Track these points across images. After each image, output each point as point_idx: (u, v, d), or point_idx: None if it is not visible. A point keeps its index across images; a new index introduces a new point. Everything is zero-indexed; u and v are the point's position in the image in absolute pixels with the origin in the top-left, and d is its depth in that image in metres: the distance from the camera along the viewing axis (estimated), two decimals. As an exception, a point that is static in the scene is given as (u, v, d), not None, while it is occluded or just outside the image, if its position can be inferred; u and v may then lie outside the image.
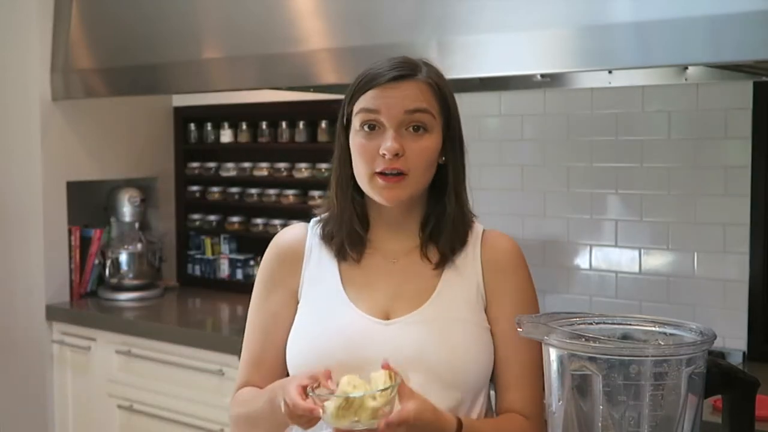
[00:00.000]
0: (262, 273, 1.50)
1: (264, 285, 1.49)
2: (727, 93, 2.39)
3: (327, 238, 1.45)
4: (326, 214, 1.47)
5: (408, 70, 1.37)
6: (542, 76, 2.50)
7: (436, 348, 1.36)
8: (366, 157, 1.36)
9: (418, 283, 1.42)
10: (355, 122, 1.38)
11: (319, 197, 3.19)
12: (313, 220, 1.50)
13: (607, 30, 1.95)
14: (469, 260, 1.43)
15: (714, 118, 2.42)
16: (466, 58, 2.18)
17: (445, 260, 1.42)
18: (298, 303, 1.46)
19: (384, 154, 1.34)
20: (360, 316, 1.39)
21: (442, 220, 1.42)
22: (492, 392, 1.47)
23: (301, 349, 1.41)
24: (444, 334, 1.37)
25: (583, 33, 1.99)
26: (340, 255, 1.44)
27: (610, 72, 2.40)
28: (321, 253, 1.46)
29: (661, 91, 2.49)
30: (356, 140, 1.38)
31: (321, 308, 1.43)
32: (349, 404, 1.19)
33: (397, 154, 1.34)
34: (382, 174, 1.35)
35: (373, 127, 1.36)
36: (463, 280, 1.42)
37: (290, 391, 1.25)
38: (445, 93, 1.40)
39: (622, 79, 2.44)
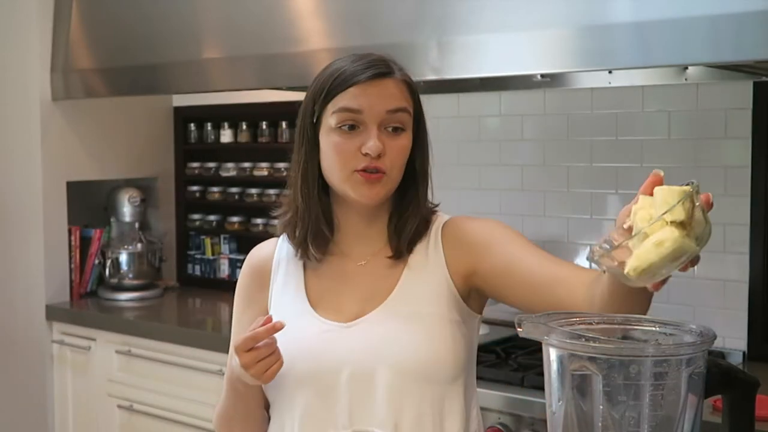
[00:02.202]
0: (238, 289, 1.51)
1: (240, 301, 1.50)
2: (727, 93, 2.39)
3: (291, 238, 1.43)
4: (288, 215, 1.43)
5: (385, 67, 1.35)
6: (542, 76, 2.50)
7: (400, 341, 1.33)
8: (345, 155, 1.33)
9: (382, 284, 1.39)
10: (331, 121, 1.34)
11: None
12: (284, 234, 1.47)
13: (607, 30, 1.95)
14: (431, 252, 1.39)
15: (714, 118, 2.41)
16: (466, 58, 2.18)
17: (400, 255, 1.39)
18: None
19: (367, 154, 1.31)
20: (321, 323, 1.37)
21: (405, 217, 1.39)
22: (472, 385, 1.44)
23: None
24: (408, 327, 1.34)
25: (583, 33, 1.99)
26: (304, 255, 1.41)
27: (610, 72, 2.40)
28: (288, 265, 1.45)
29: (661, 91, 2.49)
30: (332, 139, 1.34)
31: (287, 321, 1.39)
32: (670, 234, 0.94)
33: (380, 155, 1.32)
34: (363, 171, 1.32)
35: (352, 126, 1.33)
36: (427, 273, 1.38)
37: (236, 343, 1.29)
38: (416, 91, 1.39)
39: (621, 79, 2.43)
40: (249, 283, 1.49)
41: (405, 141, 1.35)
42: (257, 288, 1.47)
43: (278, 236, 1.49)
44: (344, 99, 1.33)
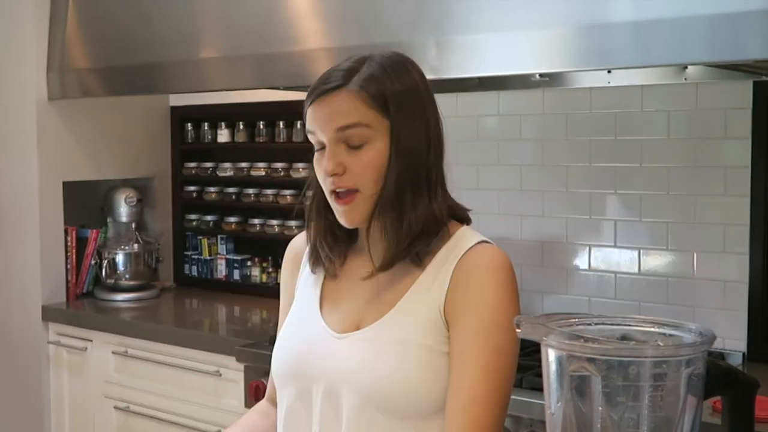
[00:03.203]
0: (281, 280, 1.52)
1: (282, 291, 1.51)
2: (727, 93, 2.38)
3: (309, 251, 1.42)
4: (306, 228, 1.42)
5: (334, 81, 1.27)
6: (541, 75, 2.49)
7: (369, 371, 1.26)
8: (320, 177, 1.31)
9: (387, 296, 1.32)
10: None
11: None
12: None
13: (606, 29, 1.94)
14: (440, 276, 1.29)
15: (714, 117, 2.41)
16: (465, 58, 2.17)
17: (396, 259, 1.30)
18: None
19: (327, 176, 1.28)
20: (320, 329, 1.34)
21: (411, 224, 1.29)
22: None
23: (273, 353, 1.41)
24: (383, 356, 1.26)
25: (582, 32, 1.98)
26: (316, 267, 1.40)
27: (609, 71, 2.40)
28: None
29: (661, 91, 2.48)
30: (315, 160, 1.32)
31: (296, 317, 1.41)
32: None
33: (336, 174, 1.27)
34: (336, 195, 1.29)
35: (322, 146, 1.29)
36: (427, 298, 1.28)
37: None
38: (384, 94, 1.27)
39: (621, 78, 2.43)
40: (286, 273, 1.50)
41: (369, 153, 1.27)
42: (291, 278, 1.47)
43: None
44: (307, 120, 1.31)
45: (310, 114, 1.29)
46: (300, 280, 1.45)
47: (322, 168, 1.29)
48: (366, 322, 1.32)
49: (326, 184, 1.30)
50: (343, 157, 1.27)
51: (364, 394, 1.26)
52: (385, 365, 1.26)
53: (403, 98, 1.29)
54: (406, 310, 1.29)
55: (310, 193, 1.38)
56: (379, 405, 1.25)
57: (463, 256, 1.29)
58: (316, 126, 1.29)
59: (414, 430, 1.26)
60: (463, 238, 1.32)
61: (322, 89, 1.28)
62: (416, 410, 1.26)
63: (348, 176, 1.27)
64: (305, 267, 1.44)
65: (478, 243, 1.31)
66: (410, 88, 1.31)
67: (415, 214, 1.29)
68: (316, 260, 1.39)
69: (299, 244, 1.48)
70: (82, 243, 3.39)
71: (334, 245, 1.37)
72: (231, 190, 3.47)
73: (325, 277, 1.40)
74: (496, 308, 1.25)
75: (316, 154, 1.32)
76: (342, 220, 1.31)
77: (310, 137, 1.31)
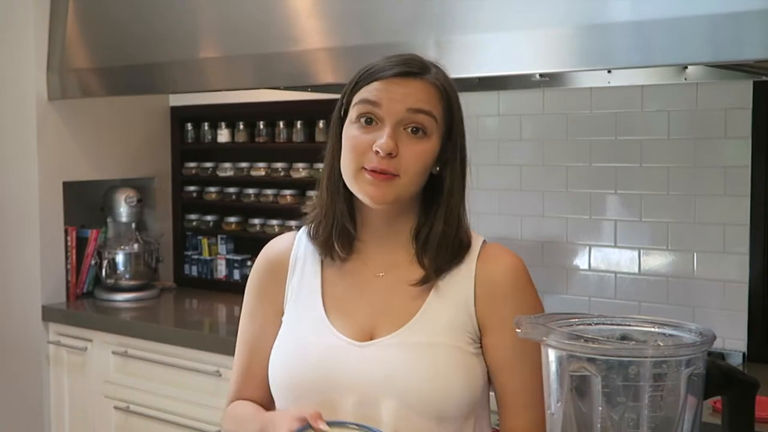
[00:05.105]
0: (251, 284, 1.45)
1: (252, 297, 1.44)
2: (727, 93, 2.38)
3: (314, 236, 1.38)
4: (315, 211, 1.37)
5: (416, 68, 1.30)
6: (541, 75, 2.49)
7: (409, 374, 1.26)
8: (357, 150, 1.27)
9: (401, 301, 1.32)
10: (352, 113, 1.30)
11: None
12: (302, 228, 1.42)
13: (607, 29, 1.94)
14: (461, 278, 1.32)
15: (714, 117, 2.41)
16: (465, 58, 2.17)
17: (428, 279, 1.32)
18: (282, 316, 1.40)
19: (377, 151, 1.25)
20: (336, 338, 1.32)
21: (431, 235, 1.32)
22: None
23: (277, 367, 1.36)
24: (420, 359, 1.27)
25: (583, 32, 1.98)
26: (326, 252, 1.36)
27: (609, 71, 2.40)
28: (305, 265, 1.39)
29: (661, 91, 2.48)
30: (350, 132, 1.29)
31: (299, 326, 1.36)
32: None
33: (390, 154, 1.25)
34: (371, 171, 1.27)
35: (370, 120, 1.27)
36: (452, 300, 1.31)
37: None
38: (451, 99, 1.31)
39: (621, 78, 2.43)
40: (264, 278, 1.43)
41: (425, 146, 1.28)
42: (273, 283, 1.41)
43: (296, 231, 1.44)
44: (366, 91, 1.29)
45: (380, 87, 1.28)
46: (290, 287, 1.40)
47: (363, 142, 1.27)
48: (383, 328, 1.31)
49: (363, 159, 1.27)
50: (399, 140, 1.27)
51: (405, 399, 1.26)
52: (423, 368, 1.27)
53: (460, 112, 1.34)
54: (431, 313, 1.31)
55: (323, 171, 1.36)
56: (420, 409, 1.26)
57: (480, 254, 1.33)
58: (385, 99, 1.27)
59: (444, 430, 1.28)
60: (471, 241, 1.36)
61: (404, 70, 1.29)
62: (451, 412, 1.28)
63: (396, 161, 1.27)
64: (296, 271, 1.40)
65: (483, 242, 1.36)
66: (460, 106, 1.35)
67: (463, 227, 1.34)
68: (340, 241, 1.35)
69: (283, 247, 1.43)
70: (82, 243, 3.39)
71: (354, 224, 1.35)
72: (231, 190, 3.47)
73: (323, 282, 1.37)
74: (524, 308, 1.29)
75: (355, 124, 1.29)
76: (367, 195, 1.28)
77: (361, 107, 1.29)
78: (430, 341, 1.29)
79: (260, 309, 1.42)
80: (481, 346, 1.33)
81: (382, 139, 1.26)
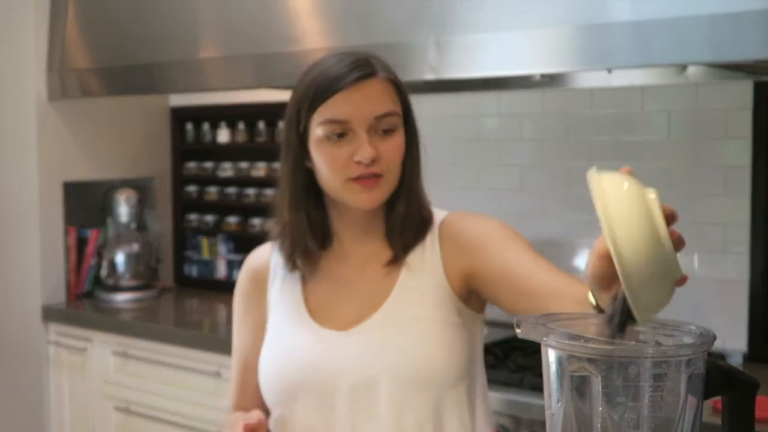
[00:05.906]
0: (237, 295, 1.48)
1: (240, 305, 1.47)
2: (727, 93, 2.38)
3: (281, 248, 1.40)
4: (277, 226, 1.40)
5: (368, 68, 1.29)
6: (541, 75, 2.49)
7: (396, 351, 1.30)
8: (337, 166, 1.28)
9: (377, 284, 1.36)
10: (318, 131, 1.29)
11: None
12: None
13: (607, 29, 1.94)
14: (428, 253, 1.36)
15: (714, 118, 2.41)
16: (465, 58, 2.17)
17: (398, 258, 1.35)
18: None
19: (360, 162, 1.27)
20: (319, 332, 1.35)
21: (395, 217, 1.35)
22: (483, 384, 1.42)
23: (266, 373, 1.38)
24: (402, 335, 1.31)
25: (583, 32, 1.98)
26: (293, 268, 1.39)
27: (609, 72, 2.40)
28: (286, 272, 1.41)
29: (661, 91, 2.48)
30: (322, 150, 1.29)
31: (282, 329, 1.39)
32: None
33: (374, 160, 1.28)
34: (358, 179, 1.29)
35: (341, 134, 1.28)
36: (423, 275, 1.35)
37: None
38: (401, 87, 1.34)
39: (621, 78, 2.43)
40: (249, 287, 1.46)
41: (398, 140, 1.31)
42: (257, 292, 1.45)
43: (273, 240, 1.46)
44: (329, 110, 1.28)
45: (342, 100, 1.28)
46: (271, 296, 1.43)
47: (341, 156, 1.28)
48: (364, 314, 1.34)
49: (347, 171, 1.28)
50: (375, 143, 1.29)
51: (401, 375, 1.29)
52: (412, 343, 1.31)
53: (407, 96, 1.36)
54: (405, 291, 1.34)
55: (276, 196, 1.39)
56: (414, 382, 1.30)
57: (440, 226, 1.37)
58: (351, 112, 1.27)
59: (439, 400, 1.32)
60: (432, 216, 1.40)
61: (358, 75, 1.28)
62: (445, 379, 1.32)
63: (378, 162, 1.29)
64: (276, 280, 1.42)
65: (447, 214, 1.40)
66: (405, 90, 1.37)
67: (424, 204, 1.37)
68: (304, 260, 1.37)
69: (261, 259, 1.46)
70: (82, 243, 3.39)
71: (316, 242, 1.37)
72: (231, 190, 3.47)
73: (303, 284, 1.39)
74: (498, 225, 1.35)
75: (325, 143, 1.29)
76: (362, 202, 1.31)
77: (328, 127, 1.28)
78: (408, 316, 1.33)
79: (248, 321, 1.45)
80: (471, 305, 1.36)
81: (362, 150, 1.27)
